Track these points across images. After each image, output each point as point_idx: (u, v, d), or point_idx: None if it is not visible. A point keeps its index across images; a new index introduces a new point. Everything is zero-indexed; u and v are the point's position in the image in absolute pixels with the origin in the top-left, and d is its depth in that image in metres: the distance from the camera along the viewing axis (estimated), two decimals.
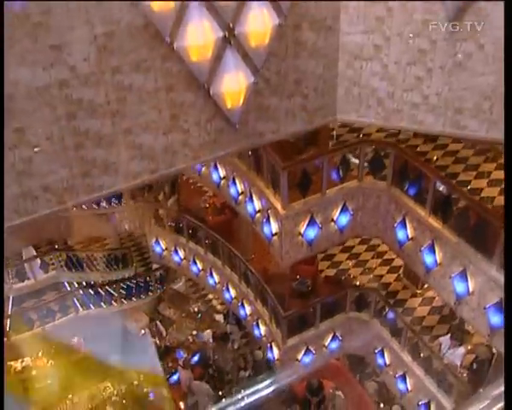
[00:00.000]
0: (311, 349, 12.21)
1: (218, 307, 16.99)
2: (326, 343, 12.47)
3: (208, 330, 15.73)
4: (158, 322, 16.06)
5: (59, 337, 14.87)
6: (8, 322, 14.57)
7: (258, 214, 10.71)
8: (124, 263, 17.12)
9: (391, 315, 11.93)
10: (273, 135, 7.19)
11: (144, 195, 14.66)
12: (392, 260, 14.85)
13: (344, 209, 10.29)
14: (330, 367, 14.96)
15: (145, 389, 14.36)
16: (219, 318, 16.08)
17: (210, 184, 12.24)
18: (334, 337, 12.43)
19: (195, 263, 14.19)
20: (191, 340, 15.66)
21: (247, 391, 14.09)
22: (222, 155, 6.92)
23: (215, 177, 11.72)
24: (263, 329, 12.77)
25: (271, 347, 12.37)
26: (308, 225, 10.02)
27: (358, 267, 14.84)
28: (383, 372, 12.33)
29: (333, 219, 10.31)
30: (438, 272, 9.36)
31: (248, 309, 13.22)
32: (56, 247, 17.30)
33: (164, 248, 14.70)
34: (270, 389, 13.97)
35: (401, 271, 14.56)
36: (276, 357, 12.34)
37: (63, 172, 5.94)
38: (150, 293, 16.79)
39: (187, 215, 13.96)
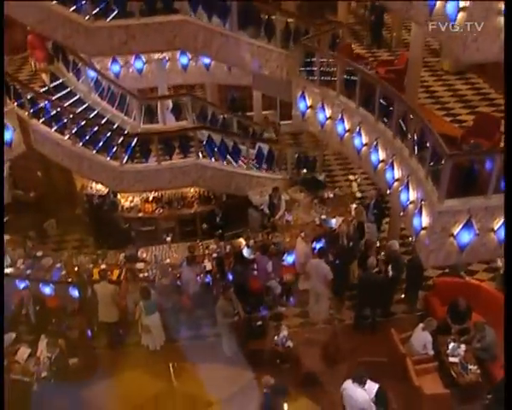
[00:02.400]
0: (474, 225, 9.08)
1: (358, 194, 14.35)
2: (495, 227, 9.24)
3: (339, 217, 13.09)
4: (283, 197, 13.68)
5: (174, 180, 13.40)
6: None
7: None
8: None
9: None
10: None
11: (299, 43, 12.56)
12: None
13: None
14: (487, 298, 11.75)
15: (253, 256, 12.24)
16: (355, 207, 13.37)
17: None
18: None
19: (343, 121, 11.75)
20: (318, 223, 13.15)
21: None
22: None
23: None
24: (412, 194, 9.93)
25: (420, 211, 9.46)
26: None
27: None
28: None
29: None
30: None
31: (398, 173, 10.46)
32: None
33: (309, 105, 12.50)
34: None
35: None
36: (423, 225, 9.39)
37: None
38: (284, 172, 14.76)
39: (342, 66, 11.67)
